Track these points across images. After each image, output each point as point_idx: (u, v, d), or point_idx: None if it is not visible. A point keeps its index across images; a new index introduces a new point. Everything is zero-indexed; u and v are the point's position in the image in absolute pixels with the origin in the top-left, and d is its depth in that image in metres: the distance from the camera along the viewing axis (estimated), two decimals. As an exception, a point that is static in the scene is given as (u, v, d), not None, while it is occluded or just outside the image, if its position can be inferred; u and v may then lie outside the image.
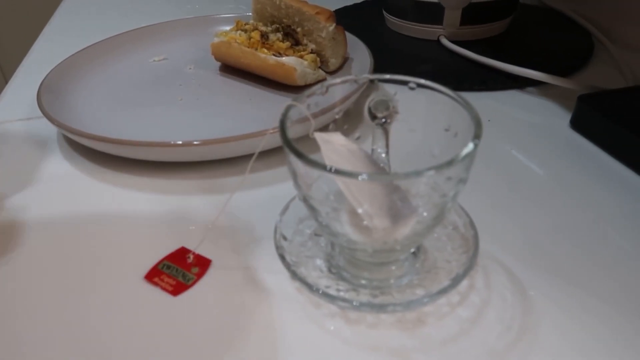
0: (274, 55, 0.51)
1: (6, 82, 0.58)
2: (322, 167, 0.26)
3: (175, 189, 0.41)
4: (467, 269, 0.31)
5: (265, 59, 0.50)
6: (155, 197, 0.40)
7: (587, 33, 0.63)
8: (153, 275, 0.33)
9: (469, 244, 0.32)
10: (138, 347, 0.29)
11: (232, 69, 0.56)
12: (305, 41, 0.53)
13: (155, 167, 0.43)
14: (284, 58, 0.50)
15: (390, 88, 0.32)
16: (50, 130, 0.49)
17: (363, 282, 0.31)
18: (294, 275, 0.31)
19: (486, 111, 0.49)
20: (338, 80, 0.33)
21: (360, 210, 0.28)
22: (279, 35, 0.53)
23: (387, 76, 0.32)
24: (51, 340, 0.29)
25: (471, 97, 0.52)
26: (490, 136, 0.46)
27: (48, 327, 0.30)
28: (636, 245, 0.34)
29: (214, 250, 0.35)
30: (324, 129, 0.32)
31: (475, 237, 0.33)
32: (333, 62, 0.53)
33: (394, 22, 0.64)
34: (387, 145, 0.32)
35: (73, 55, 0.55)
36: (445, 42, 0.60)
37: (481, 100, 0.51)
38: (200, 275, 0.33)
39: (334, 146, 0.30)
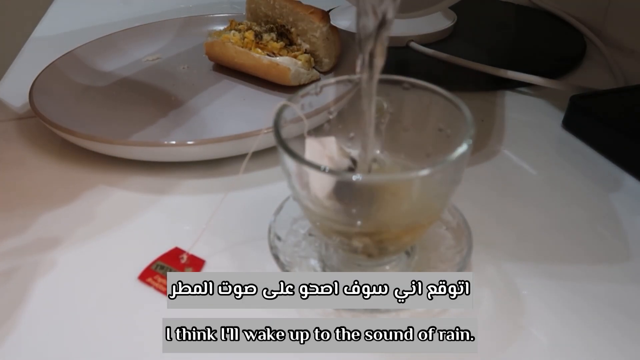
0: (267, 55, 0.51)
1: (-2, 82, 0.57)
2: (316, 167, 0.26)
3: (168, 189, 0.41)
4: (461, 269, 0.31)
5: (259, 59, 0.50)
6: (149, 197, 0.40)
7: (579, 34, 0.63)
8: (147, 276, 0.33)
9: (462, 244, 0.32)
10: (131, 347, 0.29)
11: (225, 69, 0.56)
12: (299, 41, 0.53)
13: (148, 167, 0.42)
14: (277, 58, 0.50)
15: (384, 88, 0.32)
16: (43, 130, 0.48)
17: (357, 282, 0.31)
18: (288, 275, 0.31)
19: (479, 112, 0.50)
20: (332, 80, 0.33)
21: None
22: (273, 35, 0.52)
23: (381, 76, 0.32)
24: (45, 340, 0.29)
25: (464, 97, 0.52)
26: (483, 136, 0.46)
27: (42, 327, 0.30)
28: (628, 244, 0.35)
29: (207, 251, 0.35)
30: (319, 128, 0.32)
31: (469, 237, 0.33)
32: (327, 62, 0.53)
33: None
34: (380, 145, 0.32)
35: (65, 54, 0.55)
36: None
37: (474, 100, 0.51)
38: (193, 275, 0.33)
39: (320, 154, 0.30)
